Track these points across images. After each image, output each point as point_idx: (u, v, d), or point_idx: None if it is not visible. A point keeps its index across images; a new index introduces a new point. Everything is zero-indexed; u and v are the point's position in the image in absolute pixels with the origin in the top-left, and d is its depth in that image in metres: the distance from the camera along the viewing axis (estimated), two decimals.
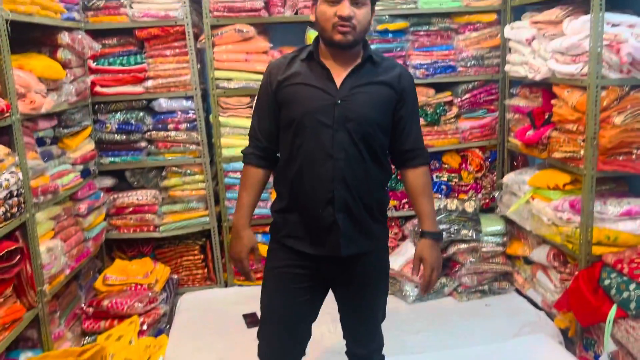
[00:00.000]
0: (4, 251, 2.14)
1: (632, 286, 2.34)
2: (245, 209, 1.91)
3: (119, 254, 3.54)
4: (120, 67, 3.25)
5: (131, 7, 3.20)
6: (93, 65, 3.23)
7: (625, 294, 2.35)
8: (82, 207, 2.97)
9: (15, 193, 2.25)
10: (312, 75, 1.80)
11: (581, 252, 2.66)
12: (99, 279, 3.17)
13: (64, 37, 2.82)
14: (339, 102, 1.76)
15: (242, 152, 1.95)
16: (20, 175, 2.29)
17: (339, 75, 1.80)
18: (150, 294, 3.02)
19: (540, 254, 3.05)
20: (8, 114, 2.24)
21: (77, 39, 2.93)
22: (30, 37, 2.82)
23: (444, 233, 3.29)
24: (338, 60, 1.81)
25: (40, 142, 2.69)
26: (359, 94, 1.78)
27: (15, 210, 2.25)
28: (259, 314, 2.01)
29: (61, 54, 2.82)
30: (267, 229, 2.02)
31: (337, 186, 1.77)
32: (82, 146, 3.07)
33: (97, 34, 3.25)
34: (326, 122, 1.76)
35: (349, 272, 1.88)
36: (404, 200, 3.58)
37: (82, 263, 2.96)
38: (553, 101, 2.86)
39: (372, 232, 1.88)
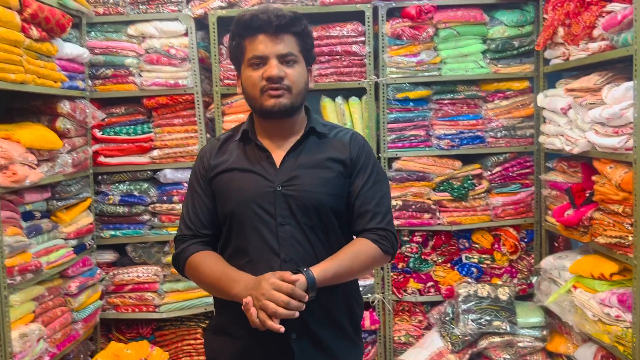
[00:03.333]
0: None
1: None
2: (230, 270, 1.45)
3: (117, 335, 3.28)
4: (126, 137, 3.11)
5: (140, 76, 3.09)
6: (99, 134, 3.10)
7: None
8: (73, 285, 2.75)
9: None
10: (247, 158, 1.52)
11: (635, 358, 2.23)
12: None
13: (64, 106, 2.71)
14: (279, 188, 1.47)
15: (173, 256, 1.57)
16: None
17: (279, 155, 1.52)
18: None
19: (586, 354, 2.61)
20: None
21: (79, 107, 2.82)
22: (32, 106, 2.73)
23: (473, 324, 2.90)
24: (277, 136, 1.54)
25: (28, 215, 2.51)
26: (304, 177, 1.48)
27: None
28: None
29: (60, 123, 2.70)
30: None
31: None
32: (79, 219, 2.89)
33: (105, 103, 3.15)
34: (267, 214, 1.46)
35: None
36: (429, 284, 3.21)
37: (67, 348, 2.71)
38: (594, 177, 2.51)
39: (341, 351, 1.53)
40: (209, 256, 1.51)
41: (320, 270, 1.39)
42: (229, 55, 1.57)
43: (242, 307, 1.33)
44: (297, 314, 1.31)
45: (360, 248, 1.48)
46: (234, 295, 1.39)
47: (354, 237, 1.57)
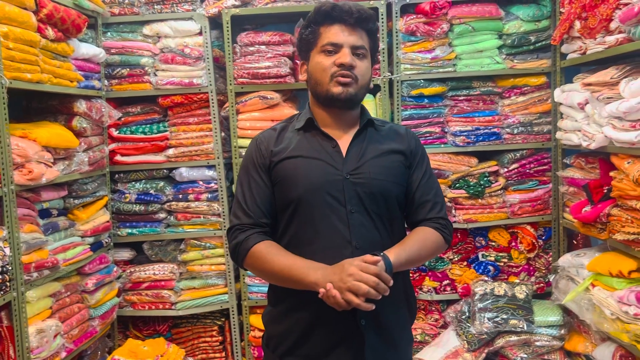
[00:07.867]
0: None
1: None
2: (301, 259, 1.42)
3: (134, 332, 3.31)
4: (142, 136, 3.15)
5: (155, 75, 3.12)
6: (115, 133, 3.14)
7: None
8: (90, 282, 2.79)
9: None
10: (312, 146, 1.52)
11: None
12: None
13: (80, 105, 2.75)
14: (348, 176, 1.48)
15: (233, 245, 1.50)
16: (7, 250, 2.13)
17: (343, 144, 1.54)
18: None
19: (604, 353, 2.55)
20: None
21: (95, 107, 2.85)
22: (49, 105, 2.77)
23: (489, 322, 2.86)
24: (338, 126, 1.55)
25: (46, 213, 2.56)
26: (370, 166, 1.50)
27: None
28: None
29: (76, 122, 2.74)
30: None
31: None
32: (95, 217, 2.93)
33: (121, 102, 3.19)
34: (337, 202, 1.46)
35: None
36: (445, 282, 3.18)
37: (84, 344, 2.74)
38: (612, 173, 2.46)
39: (400, 340, 1.55)
40: (274, 246, 1.47)
41: (395, 255, 1.40)
42: (297, 40, 1.59)
43: (320, 295, 1.31)
44: (380, 296, 1.31)
45: (427, 235, 1.51)
46: (311, 282, 1.35)
47: (410, 226, 1.60)
